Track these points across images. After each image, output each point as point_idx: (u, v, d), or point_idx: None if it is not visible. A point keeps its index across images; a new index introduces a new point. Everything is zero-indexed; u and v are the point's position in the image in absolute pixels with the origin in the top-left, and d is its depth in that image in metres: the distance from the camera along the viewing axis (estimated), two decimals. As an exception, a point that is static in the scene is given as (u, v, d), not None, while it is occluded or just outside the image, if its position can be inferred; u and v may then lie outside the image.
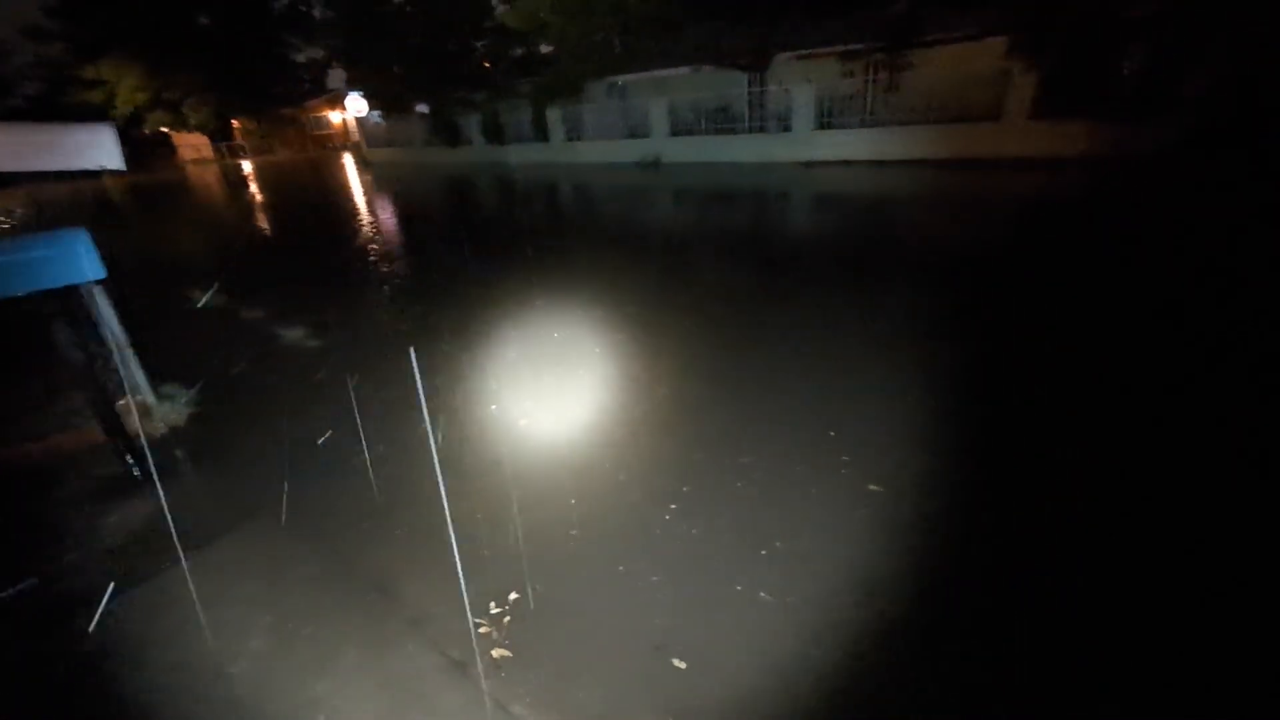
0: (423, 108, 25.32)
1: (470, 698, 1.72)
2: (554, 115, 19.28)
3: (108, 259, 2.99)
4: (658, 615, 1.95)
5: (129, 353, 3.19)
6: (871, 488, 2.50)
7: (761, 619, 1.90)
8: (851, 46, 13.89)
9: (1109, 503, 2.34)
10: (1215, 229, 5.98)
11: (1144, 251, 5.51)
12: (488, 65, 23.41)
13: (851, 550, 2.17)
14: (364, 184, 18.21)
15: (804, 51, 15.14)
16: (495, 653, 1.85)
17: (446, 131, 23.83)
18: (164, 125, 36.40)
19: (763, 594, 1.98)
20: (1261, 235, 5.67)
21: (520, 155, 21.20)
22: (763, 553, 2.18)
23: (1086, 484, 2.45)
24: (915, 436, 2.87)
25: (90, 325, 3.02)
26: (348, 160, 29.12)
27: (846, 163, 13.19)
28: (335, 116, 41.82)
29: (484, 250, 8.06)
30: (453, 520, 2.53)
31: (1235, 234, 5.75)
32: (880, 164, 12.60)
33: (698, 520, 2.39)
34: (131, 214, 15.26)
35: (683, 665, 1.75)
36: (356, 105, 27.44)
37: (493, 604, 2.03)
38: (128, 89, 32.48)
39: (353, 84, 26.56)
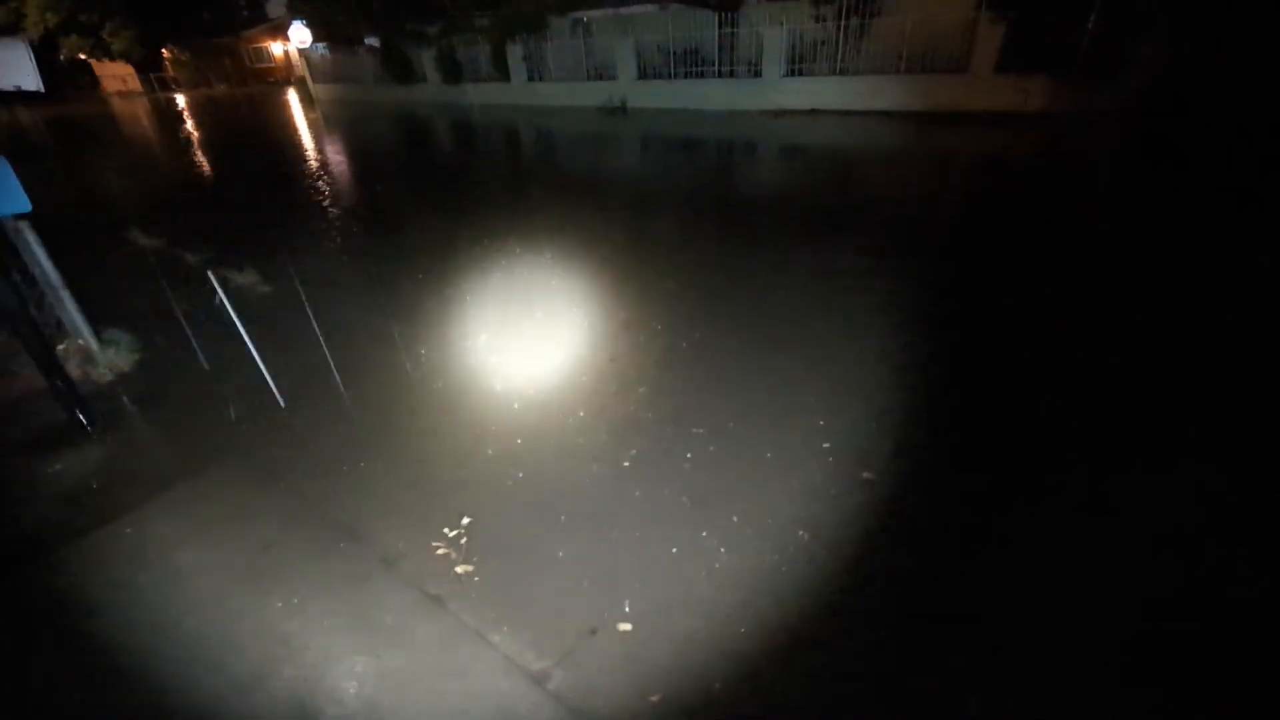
0: (373, 40, 23.63)
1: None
2: (515, 54, 18.33)
3: (31, 194, 2.80)
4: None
5: (65, 294, 3.04)
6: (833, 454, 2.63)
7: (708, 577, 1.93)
8: (822, -12, 13.49)
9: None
10: (1152, 200, 6.24)
11: (1096, 218, 5.73)
12: (443, -6, 21.86)
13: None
14: (310, 124, 17.11)
15: (774, -8, 14.64)
16: (459, 569, 1.99)
17: (399, 67, 22.41)
18: (82, 52, 33.04)
19: (723, 549, 2.07)
20: (1187, 210, 5.95)
21: (478, 95, 20.19)
22: (703, 524, 2.13)
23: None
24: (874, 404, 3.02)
25: (18, 263, 2.85)
26: (291, 97, 27.17)
27: (815, 111, 13.05)
28: (277, 48, 38.70)
29: (439, 196, 7.78)
30: (410, 457, 2.57)
31: (1165, 207, 6.02)
32: (849, 114, 12.51)
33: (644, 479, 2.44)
34: (52, 149, 14.04)
35: (628, 627, 1.77)
36: (300, 36, 25.28)
37: (446, 529, 2.16)
38: (36, 7, 29.23)
39: (295, 12, 24.42)
